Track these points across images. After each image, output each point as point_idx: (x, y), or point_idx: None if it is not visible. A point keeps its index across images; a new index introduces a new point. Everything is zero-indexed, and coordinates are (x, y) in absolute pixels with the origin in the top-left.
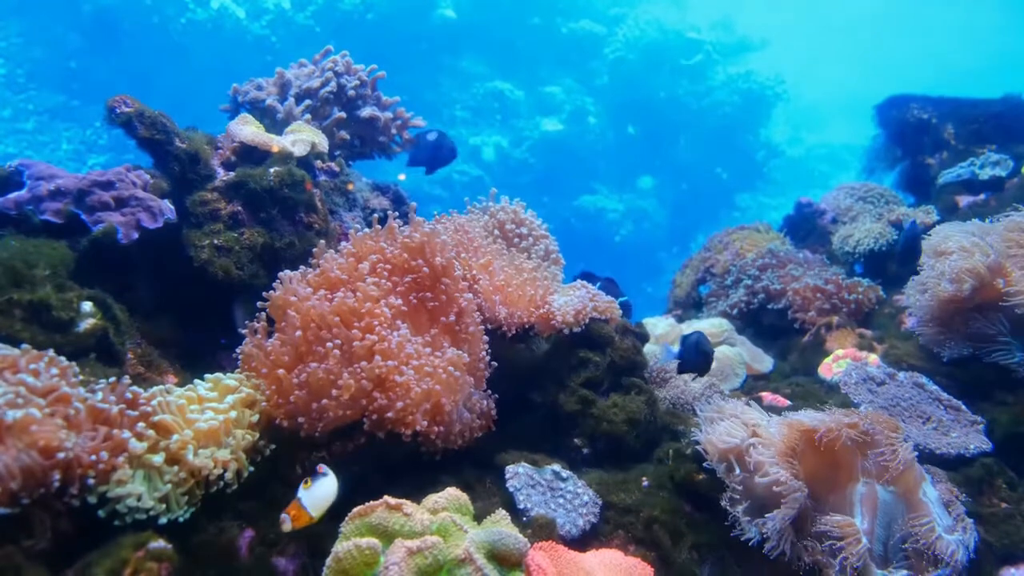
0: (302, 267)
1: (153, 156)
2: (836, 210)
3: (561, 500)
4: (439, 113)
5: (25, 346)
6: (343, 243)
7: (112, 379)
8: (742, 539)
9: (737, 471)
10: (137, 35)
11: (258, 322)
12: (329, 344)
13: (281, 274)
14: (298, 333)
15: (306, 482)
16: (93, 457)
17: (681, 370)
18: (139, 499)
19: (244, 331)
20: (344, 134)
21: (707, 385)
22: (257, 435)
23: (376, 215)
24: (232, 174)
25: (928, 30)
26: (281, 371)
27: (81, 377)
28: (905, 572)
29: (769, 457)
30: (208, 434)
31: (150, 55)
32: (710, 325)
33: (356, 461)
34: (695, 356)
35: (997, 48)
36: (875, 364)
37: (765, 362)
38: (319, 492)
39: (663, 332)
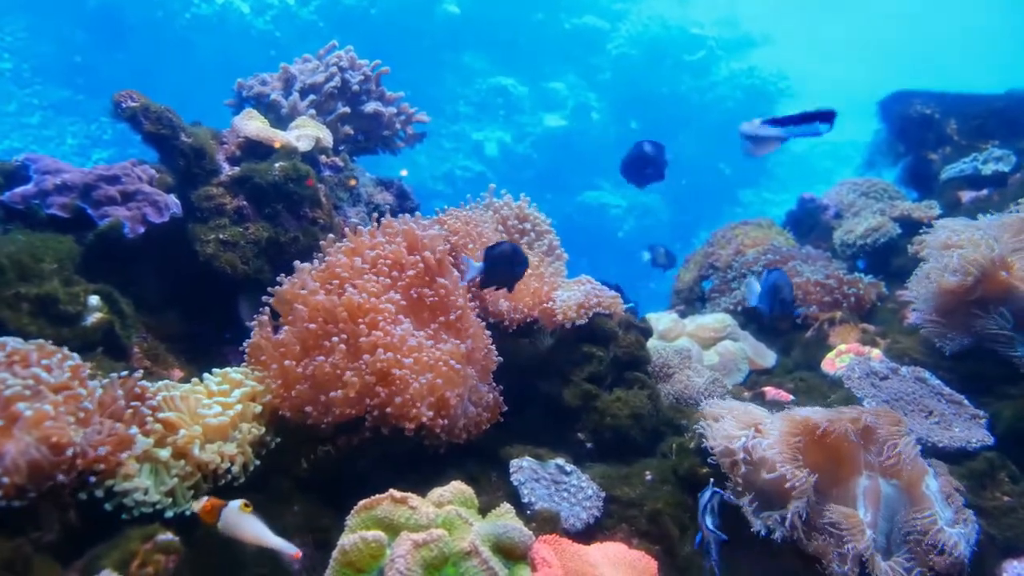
0: (315, 260)
1: (158, 151)
2: (839, 205)
3: (565, 494)
4: (442, 108)
5: (41, 341)
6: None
7: (124, 373)
8: (748, 531)
9: (741, 466)
10: (142, 30)
11: (264, 315)
12: (336, 339)
13: (297, 264)
14: (311, 326)
15: (248, 504)
16: (100, 451)
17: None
18: (146, 493)
19: (252, 324)
20: (348, 129)
21: (711, 380)
22: (263, 428)
23: (380, 210)
24: (237, 169)
25: (932, 26)
26: (289, 362)
27: (89, 372)
28: (908, 561)
29: (774, 454)
30: (217, 429)
31: (155, 50)
32: (713, 320)
33: (362, 455)
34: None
35: (1001, 43)
36: (878, 359)
37: (768, 357)
38: (244, 522)
39: (666, 327)
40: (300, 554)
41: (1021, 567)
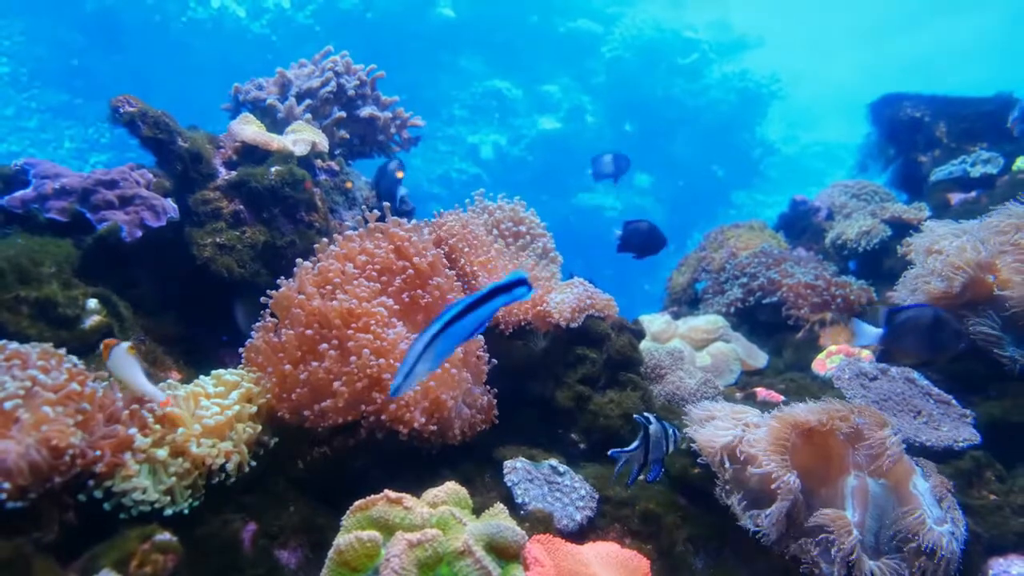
0: (310, 264)
1: (156, 155)
2: (830, 207)
3: (558, 494)
4: (438, 111)
5: (46, 346)
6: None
7: None
8: (737, 530)
9: (728, 465)
10: (139, 33)
11: (266, 318)
12: (325, 345)
13: (299, 262)
14: (310, 331)
15: (133, 348)
16: (99, 453)
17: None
18: (144, 492)
19: (252, 326)
20: (344, 133)
21: (702, 381)
22: (259, 428)
23: (373, 213)
24: (234, 173)
25: (925, 28)
26: (287, 367)
27: (88, 374)
28: (896, 561)
29: (761, 451)
30: (214, 429)
31: (152, 53)
32: (706, 322)
33: (357, 456)
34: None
35: (995, 47)
36: (868, 360)
37: (760, 358)
38: (124, 364)
39: (659, 329)
40: (169, 401)
41: (1007, 564)
